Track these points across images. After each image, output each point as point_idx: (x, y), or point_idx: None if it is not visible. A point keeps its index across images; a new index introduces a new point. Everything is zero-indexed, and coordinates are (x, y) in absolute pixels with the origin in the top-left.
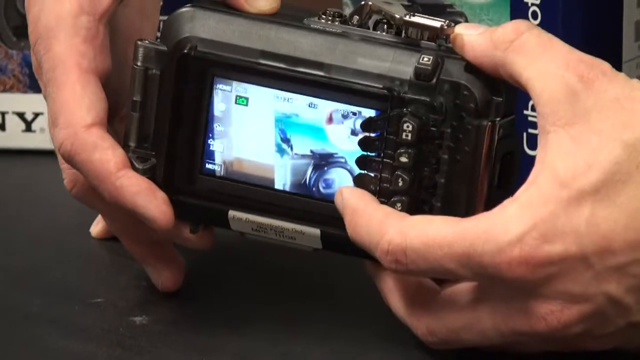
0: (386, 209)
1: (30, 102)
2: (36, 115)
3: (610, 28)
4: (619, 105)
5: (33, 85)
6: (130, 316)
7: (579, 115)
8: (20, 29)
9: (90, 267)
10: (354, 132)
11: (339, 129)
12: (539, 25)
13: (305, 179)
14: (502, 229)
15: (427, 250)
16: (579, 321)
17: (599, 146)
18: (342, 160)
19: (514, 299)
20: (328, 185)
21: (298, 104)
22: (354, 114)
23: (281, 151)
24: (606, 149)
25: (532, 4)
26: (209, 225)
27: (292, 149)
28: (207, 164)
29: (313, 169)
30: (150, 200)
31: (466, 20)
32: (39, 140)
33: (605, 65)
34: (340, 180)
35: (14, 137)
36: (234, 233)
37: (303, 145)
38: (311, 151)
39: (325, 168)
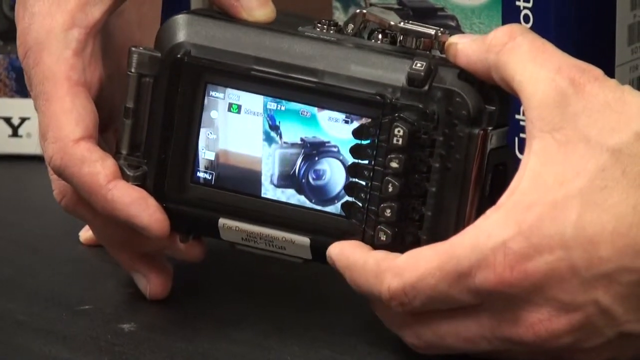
0: (377, 255)
1: (17, 107)
2: (23, 120)
3: (603, 31)
4: (608, 108)
5: (20, 90)
6: (118, 323)
7: (567, 120)
8: (6, 33)
9: (78, 273)
10: (347, 119)
11: (332, 116)
12: (531, 28)
13: (295, 170)
14: (485, 236)
15: (422, 282)
16: (567, 332)
17: (586, 153)
18: (335, 149)
19: (501, 306)
20: (318, 176)
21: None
22: None
23: (269, 140)
24: (593, 156)
25: (525, 7)
26: (199, 235)
27: (281, 137)
28: (198, 172)
29: (303, 158)
30: (143, 209)
31: (457, 24)
32: (25, 145)
33: (598, 71)
34: (332, 172)
35: (0, 143)
36: (223, 242)
37: (293, 132)
38: (301, 139)
39: (317, 158)
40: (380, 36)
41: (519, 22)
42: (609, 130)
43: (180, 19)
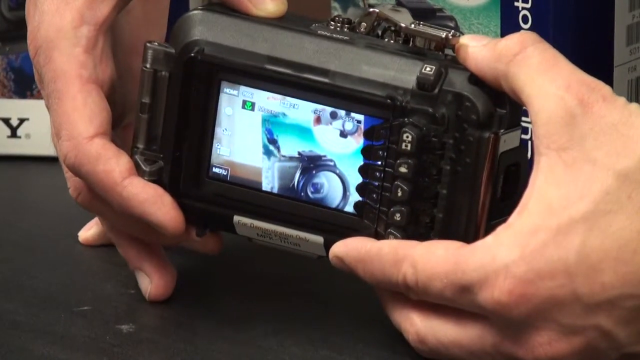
0: (392, 242)
1: (15, 108)
2: (21, 121)
3: (601, 32)
4: (615, 131)
5: (18, 91)
6: (116, 324)
7: (574, 140)
8: (4, 34)
9: (77, 274)
10: (342, 134)
11: (328, 130)
12: (529, 29)
13: (294, 183)
14: (490, 257)
15: (431, 283)
16: (568, 355)
17: (592, 176)
18: (331, 163)
19: (504, 325)
20: (316, 189)
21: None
22: (347, 114)
23: (268, 153)
24: (599, 179)
25: (523, 8)
26: (215, 229)
27: (279, 150)
28: (214, 168)
29: (301, 172)
30: (158, 207)
31: (456, 25)
32: (24, 146)
33: (606, 89)
34: (330, 185)
35: None
36: (226, 237)
37: (290, 146)
38: (299, 153)
39: (314, 171)
40: (393, 35)
41: (518, 23)
42: (615, 154)
43: (195, 15)
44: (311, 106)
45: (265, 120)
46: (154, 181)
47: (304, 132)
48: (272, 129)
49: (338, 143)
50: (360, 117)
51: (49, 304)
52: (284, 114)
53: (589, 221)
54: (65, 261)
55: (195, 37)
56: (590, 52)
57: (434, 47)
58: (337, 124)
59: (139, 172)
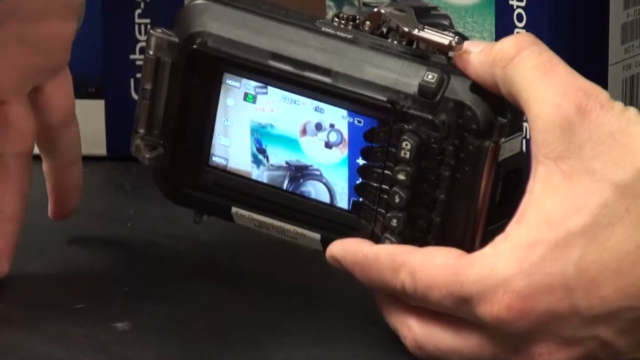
0: (389, 248)
1: None
2: None
3: (596, 31)
4: (613, 140)
5: None
6: (112, 322)
7: (572, 150)
8: None
9: (71, 272)
10: (327, 145)
11: (313, 141)
12: (524, 28)
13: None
14: (489, 270)
15: (429, 292)
16: None
17: (590, 188)
18: (318, 172)
19: (503, 337)
20: (305, 198)
21: (305, 107)
22: (331, 125)
23: (257, 162)
24: (597, 191)
25: (518, 6)
26: (213, 216)
27: (267, 159)
28: (214, 157)
29: (289, 180)
30: None
31: (451, 23)
32: None
33: (603, 95)
34: (317, 194)
35: None
36: (216, 237)
37: (278, 156)
38: (286, 162)
39: (301, 180)
40: (397, 35)
41: (512, 21)
42: (613, 165)
43: (199, 5)
44: (312, 103)
45: (254, 131)
46: (154, 166)
47: (290, 142)
48: (260, 139)
49: (323, 153)
50: (345, 130)
51: (44, 302)
52: (271, 125)
53: (587, 234)
54: (60, 259)
55: (199, 28)
56: (585, 51)
57: (438, 51)
58: (322, 135)
59: (140, 157)
